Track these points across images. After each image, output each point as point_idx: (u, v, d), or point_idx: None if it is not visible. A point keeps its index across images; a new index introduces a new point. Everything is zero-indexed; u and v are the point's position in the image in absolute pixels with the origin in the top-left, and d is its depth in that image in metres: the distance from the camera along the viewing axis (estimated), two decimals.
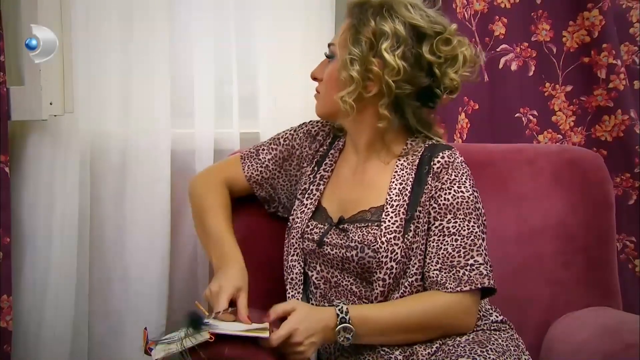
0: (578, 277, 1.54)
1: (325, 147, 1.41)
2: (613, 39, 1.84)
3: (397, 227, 1.24)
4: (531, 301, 1.54)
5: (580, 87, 1.89)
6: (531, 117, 1.90)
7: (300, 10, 1.77)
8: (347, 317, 1.18)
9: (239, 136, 1.75)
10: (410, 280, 1.25)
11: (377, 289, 1.24)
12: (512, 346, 1.26)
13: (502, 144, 1.73)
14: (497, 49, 1.87)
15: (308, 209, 1.35)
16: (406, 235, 1.24)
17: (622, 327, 1.34)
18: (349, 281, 1.29)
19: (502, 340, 1.26)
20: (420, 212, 1.26)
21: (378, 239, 1.24)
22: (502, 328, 1.32)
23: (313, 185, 1.37)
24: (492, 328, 1.30)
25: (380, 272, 1.24)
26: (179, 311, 1.68)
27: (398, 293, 1.25)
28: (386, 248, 1.23)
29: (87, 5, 1.53)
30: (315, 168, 1.39)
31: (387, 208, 1.26)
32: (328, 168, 1.38)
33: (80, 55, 1.50)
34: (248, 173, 1.42)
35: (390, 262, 1.23)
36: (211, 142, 1.70)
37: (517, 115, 1.89)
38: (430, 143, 1.31)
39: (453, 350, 1.21)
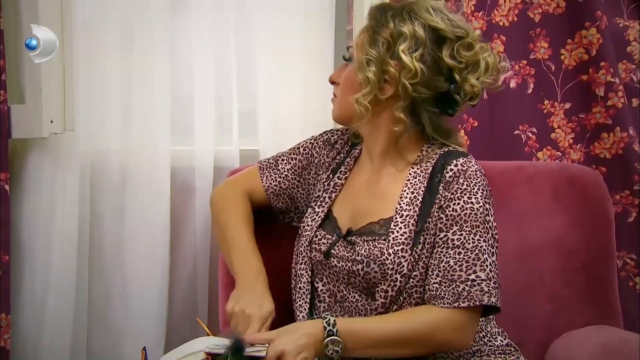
0: (578, 295, 1.54)
1: (342, 155, 1.39)
2: (611, 57, 1.85)
3: (406, 239, 1.20)
4: (531, 319, 1.53)
5: (579, 104, 1.89)
6: (530, 135, 1.90)
7: (301, 25, 1.77)
8: (334, 330, 1.14)
9: (239, 153, 1.75)
10: (410, 291, 1.21)
11: (378, 300, 1.21)
12: None
13: (501, 161, 1.73)
14: None
15: (318, 217, 1.32)
16: (415, 248, 1.20)
17: (623, 346, 1.34)
18: (354, 297, 1.25)
19: None
20: (430, 223, 1.21)
21: (385, 251, 1.20)
22: (507, 351, 1.29)
23: (326, 193, 1.35)
24: (497, 352, 1.28)
25: (384, 284, 1.20)
26: (179, 327, 1.68)
27: (397, 305, 1.21)
28: (393, 260, 1.19)
29: (87, 25, 1.54)
30: (330, 175, 1.37)
31: (396, 218, 1.22)
32: (342, 176, 1.35)
33: (81, 74, 1.50)
34: (266, 184, 1.41)
35: (396, 274, 1.19)
36: (211, 160, 1.70)
37: (516, 132, 1.89)
38: (446, 150, 1.26)
39: None
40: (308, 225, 1.33)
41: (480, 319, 1.24)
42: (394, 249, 1.20)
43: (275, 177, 1.41)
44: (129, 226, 1.60)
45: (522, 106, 1.89)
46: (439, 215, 1.21)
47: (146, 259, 1.60)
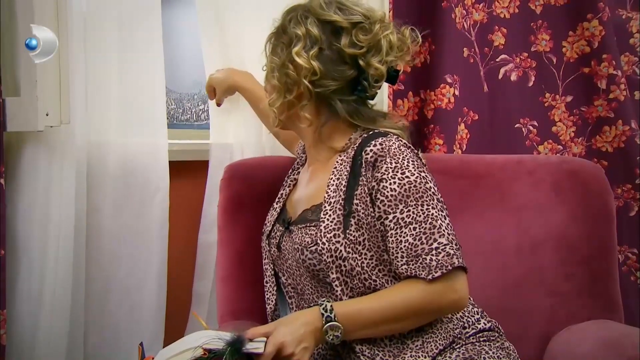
0: (579, 289, 1.53)
1: (304, 152, 1.44)
2: (613, 50, 1.83)
3: (336, 224, 1.22)
4: (532, 313, 1.53)
5: (581, 97, 1.88)
6: (531, 128, 1.89)
7: None
8: (332, 315, 1.15)
9: (236, 147, 1.74)
10: (376, 272, 1.22)
11: (337, 289, 1.22)
12: (502, 356, 1.25)
13: (502, 154, 1.72)
14: (497, 59, 1.87)
15: (275, 212, 1.38)
16: (347, 231, 1.22)
17: (624, 340, 1.33)
18: (310, 289, 1.28)
19: (493, 352, 1.25)
20: (357, 204, 1.22)
21: (319, 240, 1.23)
22: (492, 337, 1.29)
23: (283, 190, 1.42)
24: (481, 339, 1.27)
25: (333, 273, 1.22)
26: (177, 323, 1.67)
27: (369, 289, 1.22)
28: (329, 248, 1.21)
29: (84, 17, 1.53)
30: (290, 174, 1.44)
31: (325, 206, 1.24)
32: (296, 172, 1.43)
33: (77, 67, 1.49)
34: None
35: (338, 260, 1.21)
36: (205, 154, 1.70)
37: (517, 125, 1.88)
38: (369, 133, 1.27)
39: None
40: (268, 222, 1.39)
41: None
42: (327, 237, 1.22)
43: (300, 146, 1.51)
44: (126, 220, 1.59)
45: (523, 99, 1.88)
46: (374, 198, 1.22)
47: (144, 252, 1.59)
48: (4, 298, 1.37)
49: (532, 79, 1.88)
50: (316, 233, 1.24)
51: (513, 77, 1.87)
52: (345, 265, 1.22)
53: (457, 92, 1.82)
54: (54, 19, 1.41)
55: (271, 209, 1.41)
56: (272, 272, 1.36)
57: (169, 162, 1.63)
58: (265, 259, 1.38)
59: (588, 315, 1.51)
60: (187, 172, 1.72)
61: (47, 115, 1.42)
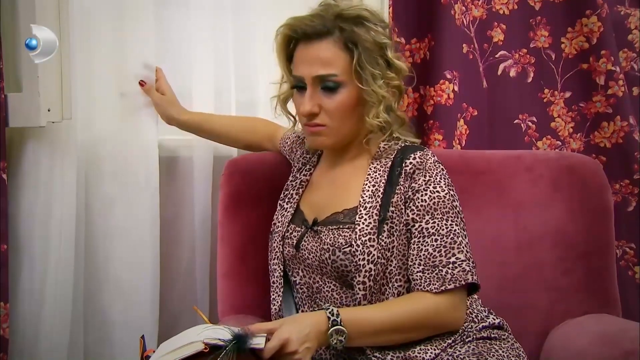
0: (577, 285, 1.54)
1: (308, 154, 1.45)
2: (611, 46, 1.84)
3: (371, 228, 1.25)
4: (530, 308, 1.54)
5: (579, 93, 1.89)
6: (530, 124, 1.89)
7: (301, 14, 1.75)
8: (338, 320, 1.17)
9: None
10: (393, 281, 1.26)
11: (359, 292, 1.24)
12: (513, 356, 1.26)
13: (501, 150, 1.73)
14: (496, 55, 1.87)
15: (288, 212, 1.38)
16: (380, 236, 1.25)
17: (622, 334, 1.34)
18: (329, 287, 1.29)
19: (503, 351, 1.26)
20: (393, 212, 1.26)
21: (353, 242, 1.25)
22: (502, 336, 1.31)
23: (294, 190, 1.41)
24: (492, 336, 1.29)
25: (359, 276, 1.24)
26: (172, 318, 1.68)
27: (383, 295, 1.25)
28: (362, 250, 1.24)
29: (85, 14, 1.53)
30: (297, 174, 1.43)
31: (360, 210, 1.27)
32: (307, 172, 1.42)
33: (78, 62, 1.49)
34: (281, 144, 1.56)
35: (368, 264, 1.24)
36: (209, 150, 1.70)
37: (516, 121, 1.89)
38: (403, 145, 1.33)
39: None
40: (279, 222, 1.38)
41: (468, 298, 1.29)
42: (362, 240, 1.25)
43: (284, 144, 1.55)
44: (121, 216, 1.59)
45: (521, 95, 1.88)
46: (408, 206, 1.26)
47: (137, 249, 1.60)
48: (6, 292, 1.38)
49: (531, 75, 1.89)
50: (350, 235, 1.26)
51: (512, 73, 1.88)
52: (374, 270, 1.24)
53: (456, 88, 1.82)
54: (56, 15, 1.42)
55: (280, 208, 1.40)
56: (281, 274, 1.36)
57: (162, 157, 1.63)
58: (274, 259, 1.37)
59: (586, 309, 1.52)
60: (190, 167, 1.71)
61: (49, 111, 1.43)
